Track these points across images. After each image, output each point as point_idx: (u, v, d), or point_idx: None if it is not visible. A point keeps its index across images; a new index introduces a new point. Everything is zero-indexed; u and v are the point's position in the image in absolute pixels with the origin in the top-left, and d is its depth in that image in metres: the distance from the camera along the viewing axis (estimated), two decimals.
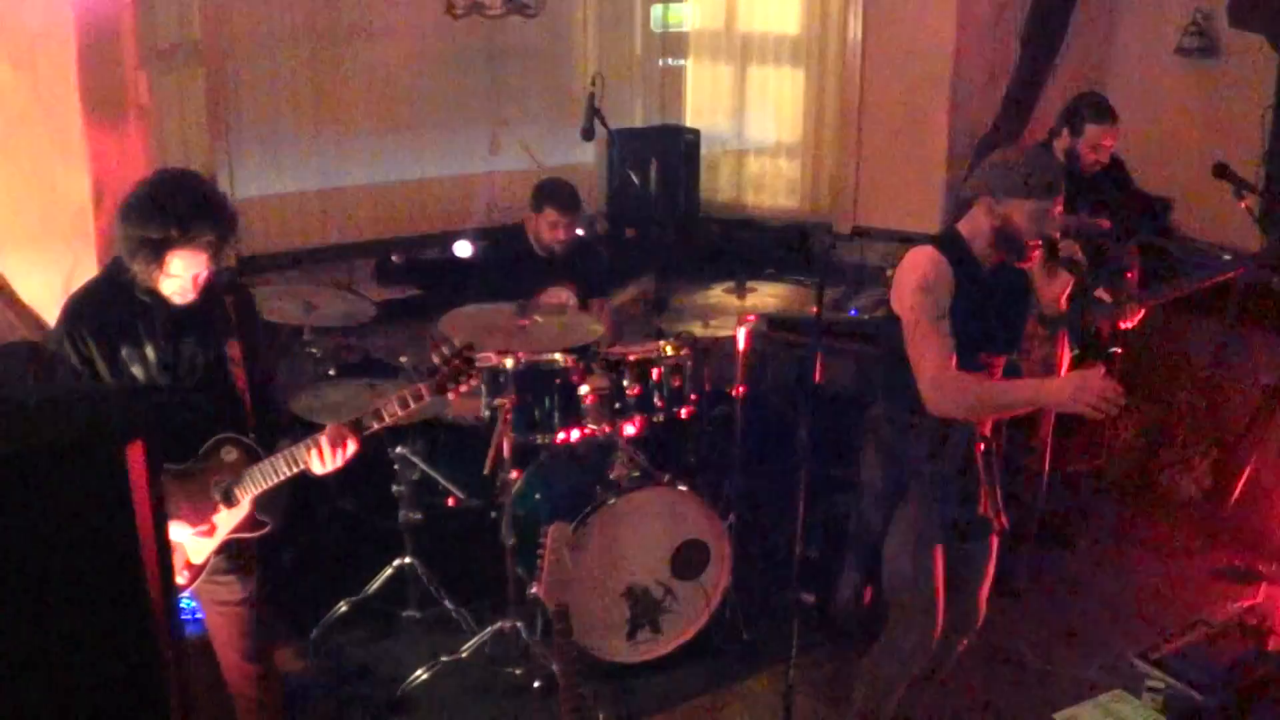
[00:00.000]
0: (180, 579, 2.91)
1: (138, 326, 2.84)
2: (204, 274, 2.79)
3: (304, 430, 3.01)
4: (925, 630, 3.22)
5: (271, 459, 2.94)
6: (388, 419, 3.03)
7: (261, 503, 2.99)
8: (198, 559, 2.95)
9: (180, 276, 2.77)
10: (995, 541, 3.32)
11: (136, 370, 2.85)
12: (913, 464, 3.17)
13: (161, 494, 1.61)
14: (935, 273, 3.00)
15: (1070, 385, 2.87)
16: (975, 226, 3.07)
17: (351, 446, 2.96)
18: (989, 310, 3.10)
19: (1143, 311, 4.45)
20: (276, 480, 2.95)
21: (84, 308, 2.86)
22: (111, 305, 2.84)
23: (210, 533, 2.95)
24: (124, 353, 2.84)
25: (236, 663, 3.15)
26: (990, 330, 3.12)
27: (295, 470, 2.94)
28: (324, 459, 2.94)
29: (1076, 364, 4.06)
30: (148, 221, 2.69)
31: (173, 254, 2.72)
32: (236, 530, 2.99)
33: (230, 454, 2.93)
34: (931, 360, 2.97)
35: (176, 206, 2.70)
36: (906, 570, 3.21)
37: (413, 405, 3.06)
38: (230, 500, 2.94)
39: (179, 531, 2.89)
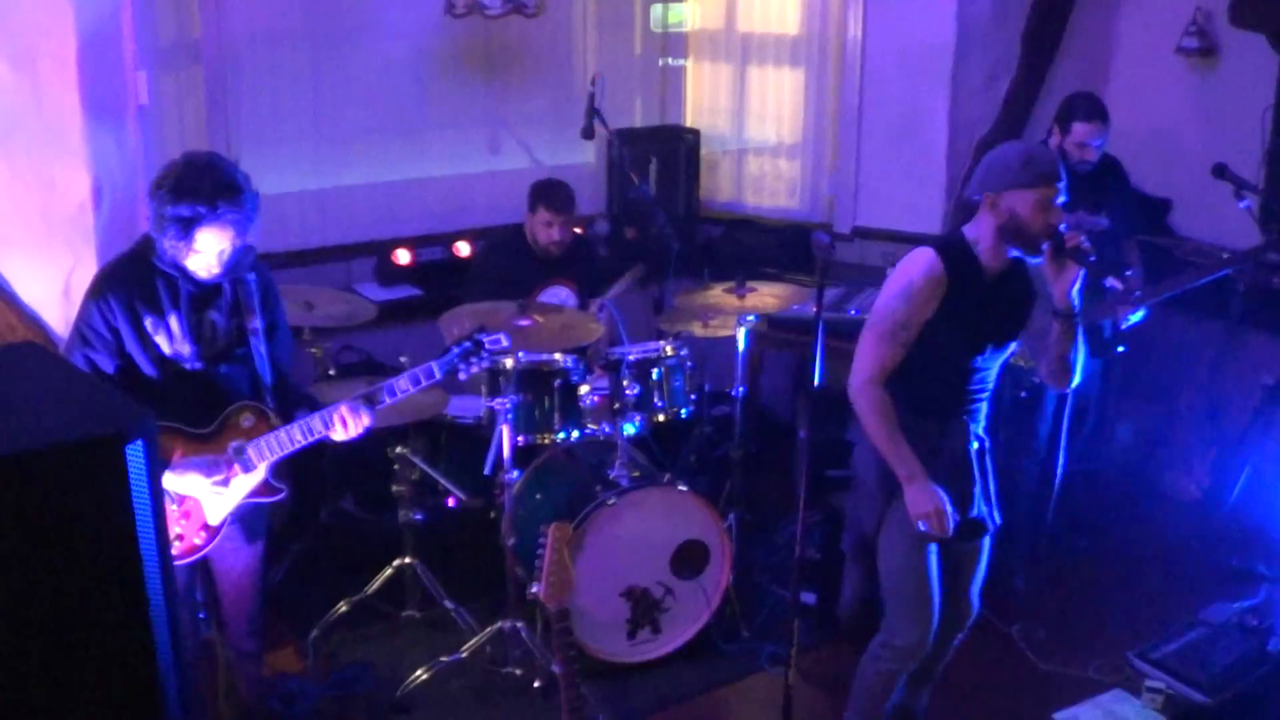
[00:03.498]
0: (197, 540, 3.06)
1: (162, 299, 3.00)
2: (228, 251, 2.95)
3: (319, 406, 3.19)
4: (920, 628, 3.23)
5: (287, 427, 3.10)
6: (399, 394, 3.21)
7: (277, 469, 3.15)
8: (214, 520, 3.08)
9: (207, 253, 2.93)
10: (988, 541, 3.33)
11: (161, 340, 3.01)
12: None
13: (162, 494, 1.61)
14: (925, 283, 3.03)
15: (924, 496, 3.03)
16: (980, 229, 3.07)
17: (366, 419, 3.13)
18: (985, 316, 3.11)
19: (1142, 310, 4.45)
20: (291, 448, 3.10)
21: (112, 278, 3.02)
22: (138, 278, 3.00)
23: (227, 495, 3.07)
24: (148, 322, 2.99)
25: (245, 630, 3.36)
26: (983, 335, 3.13)
27: (309, 439, 3.11)
28: (344, 427, 3.11)
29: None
30: (178, 200, 2.86)
31: (201, 231, 2.88)
32: (252, 494, 3.12)
33: (248, 419, 3.10)
34: (868, 366, 3.09)
35: (205, 186, 2.87)
36: (901, 568, 3.23)
37: (424, 382, 3.24)
38: (246, 464, 3.06)
39: (197, 492, 3.03)
